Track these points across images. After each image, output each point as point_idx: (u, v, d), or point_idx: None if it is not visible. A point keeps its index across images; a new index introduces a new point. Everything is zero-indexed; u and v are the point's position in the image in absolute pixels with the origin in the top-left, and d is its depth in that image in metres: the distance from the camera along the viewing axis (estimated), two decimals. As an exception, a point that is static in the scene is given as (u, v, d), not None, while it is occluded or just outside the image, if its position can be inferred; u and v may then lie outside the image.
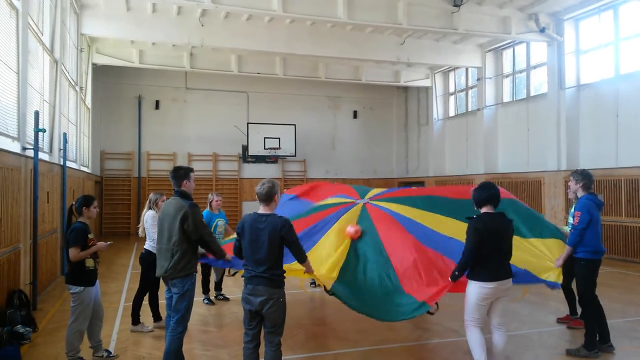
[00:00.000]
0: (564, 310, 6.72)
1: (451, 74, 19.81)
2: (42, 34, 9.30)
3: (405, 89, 22.08)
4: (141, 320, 6.22)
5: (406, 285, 4.81)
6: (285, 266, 4.16)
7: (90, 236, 4.94)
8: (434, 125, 20.05)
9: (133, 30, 13.57)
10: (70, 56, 12.34)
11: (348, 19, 12.24)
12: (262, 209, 4.14)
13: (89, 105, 15.98)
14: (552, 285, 4.93)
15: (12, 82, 7.18)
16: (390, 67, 19.19)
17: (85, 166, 14.93)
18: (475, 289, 4.23)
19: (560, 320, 6.60)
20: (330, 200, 6.65)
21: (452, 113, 19.76)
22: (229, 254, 4.84)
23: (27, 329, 5.83)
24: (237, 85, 19.78)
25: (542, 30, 13.61)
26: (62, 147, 10.08)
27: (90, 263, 4.91)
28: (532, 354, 5.39)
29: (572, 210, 5.71)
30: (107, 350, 5.22)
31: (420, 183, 19.74)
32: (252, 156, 19.41)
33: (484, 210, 4.38)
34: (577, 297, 5.75)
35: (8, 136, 6.90)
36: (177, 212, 4.52)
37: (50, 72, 10.01)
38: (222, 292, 7.94)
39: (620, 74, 12.57)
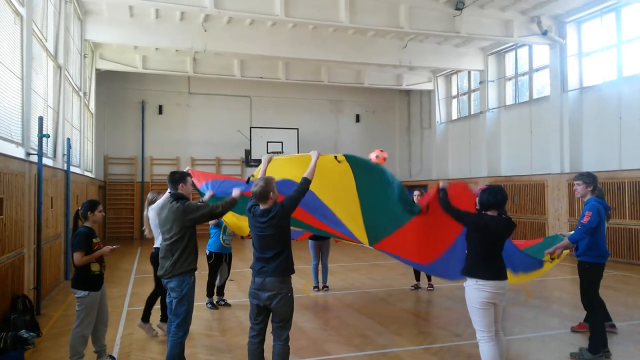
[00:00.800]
0: (568, 313, 6.69)
1: (453, 77, 19.81)
2: (46, 40, 9.35)
3: (408, 92, 22.08)
4: (151, 321, 6.23)
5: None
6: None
7: (96, 240, 4.96)
8: (437, 128, 20.05)
9: (136, 35, 13.65)
10: (74, 62, 12.40)
11: (350, 23, 12.27)
12: (261, 206, 4.23)
13: (93, 111, 16.05)
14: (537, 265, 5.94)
15: (16, 88, 7.22)
16: (392, 70, 19.23)
17: (88, 171, 14.96)
18: (474, 293, 4.22)
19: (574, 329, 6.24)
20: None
21: (454, 116, 19.76)
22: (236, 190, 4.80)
23: (31, 334, 5.84)
24: (240, 90, 19.84)
25: (545, 33, 13.61)
26: (65, 153, 10.12)
27: (95, 267, 4.92)
28: (536, 358, 5.37)
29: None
30: (111, 356, 5.22)
31: (423, 186, 19.68)
32: (255, 160, 19.40)
33: (489, 213, 4.39)
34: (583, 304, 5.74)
35: (12, 142, 6.93)
36: (173, 213, 4.61)
37: (54, 77, 10.07)
38: (223, 298, 7.93)
39: (623, 77, 12.54)
